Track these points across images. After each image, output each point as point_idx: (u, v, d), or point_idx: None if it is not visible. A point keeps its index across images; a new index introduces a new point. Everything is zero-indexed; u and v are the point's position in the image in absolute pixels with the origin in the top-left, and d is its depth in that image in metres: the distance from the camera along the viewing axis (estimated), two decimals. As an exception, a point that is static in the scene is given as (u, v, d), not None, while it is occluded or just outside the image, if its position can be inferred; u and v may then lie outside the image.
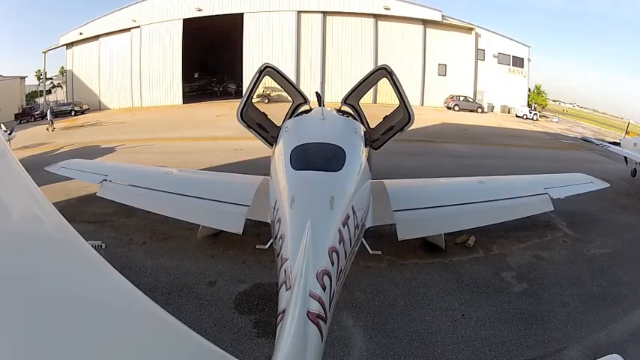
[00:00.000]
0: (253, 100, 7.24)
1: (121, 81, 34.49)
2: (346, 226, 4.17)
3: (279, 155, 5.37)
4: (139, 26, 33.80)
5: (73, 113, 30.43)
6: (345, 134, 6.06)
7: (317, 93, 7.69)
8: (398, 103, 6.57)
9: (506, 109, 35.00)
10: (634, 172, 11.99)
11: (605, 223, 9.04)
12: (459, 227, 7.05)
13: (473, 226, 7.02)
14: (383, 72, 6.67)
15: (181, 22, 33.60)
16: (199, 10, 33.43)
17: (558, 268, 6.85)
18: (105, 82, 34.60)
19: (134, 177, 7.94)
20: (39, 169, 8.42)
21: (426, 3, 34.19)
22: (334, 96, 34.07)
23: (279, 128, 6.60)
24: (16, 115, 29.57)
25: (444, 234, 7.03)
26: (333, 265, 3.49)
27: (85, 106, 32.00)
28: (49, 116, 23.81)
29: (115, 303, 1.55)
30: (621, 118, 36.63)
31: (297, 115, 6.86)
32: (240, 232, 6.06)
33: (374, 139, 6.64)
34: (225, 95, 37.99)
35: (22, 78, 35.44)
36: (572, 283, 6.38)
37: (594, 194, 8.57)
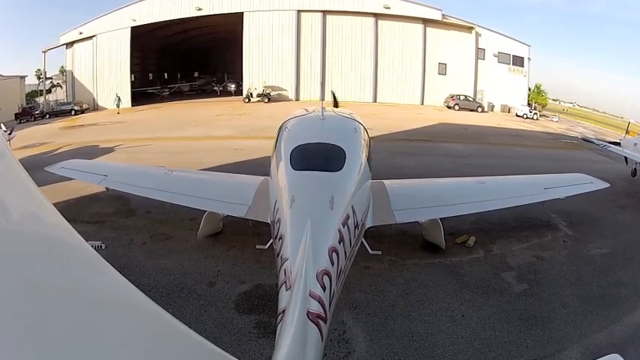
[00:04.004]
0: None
1: (117, 81, 34.36)
2: (346, 226, 4.17)
3: (279, 155, 5.38)
4: (136, 26, 33.77)
5: (73, 113, 30.44)
6: (344, 134, 6.06)
7: (332, 92, 7.69)
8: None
9: (506, 109, 34.99)
10: (634, 172, 11.98)
11: (605, 223, 9.03)
12: (458, 226, 7.05)
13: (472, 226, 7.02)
14: None
15: (129, 30, 33.59)
16: (199, 9, 33.42)
17: (558, 269, 6.85)
18: (101, 82, 34.46)
19: (134, 177, 7.94)
20: (39, 169, 8.42)
21: (426, 2, 34.20)
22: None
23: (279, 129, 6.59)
24: (16, 114, 29.54)
25: (444, 234, 7.03)
26: (333, 265, 3.49)
27: (85, 106, 32.01)
28: None
29: (114, 303, 1.55)
30: (621, 118, 36.66)
31: (296, 116, 6.85)
32: (244, 214, 6.11)
33: None
34: (224, 94, 38.00)
35: (22, 77, 35.43)
36: (572, 284, 6.38)
37: (594, 194, 8.56)
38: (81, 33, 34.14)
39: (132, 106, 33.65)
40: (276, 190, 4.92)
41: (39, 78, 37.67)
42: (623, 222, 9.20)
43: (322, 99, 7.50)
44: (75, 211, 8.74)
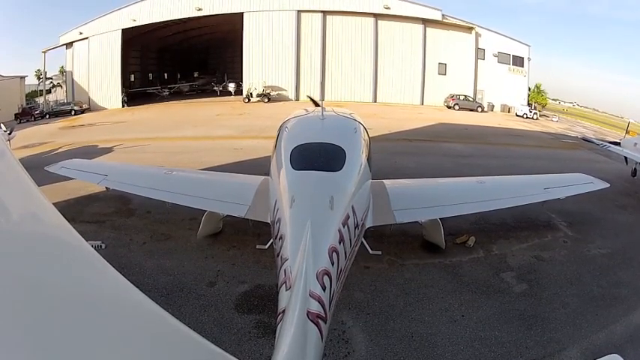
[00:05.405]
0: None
1: (109, 82, 34.18)
2: (346, 226, 4.17)
3: (279, 155, 5.38)
4: (136, 26, 33.74)
5: (72, 113, 30.40)
6: (345, 134, 6.07)
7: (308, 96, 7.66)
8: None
9: (506, 109, 34.97)
10: (634, 172, 11.99)
11: (605, 223, 9.04)
12: (458, 226, 7.05)
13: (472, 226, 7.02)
14: None
15: (120, 32, 33.36)
16: (199, 9, 33.41)
17: (558, 269, 6.85)
18: (97, 83, 34.37)
19: (134, 177, 7.93)
20: (39, 168, 8.41)
21: (426, 2, 34.20)
22: (334, 95, 34.06)
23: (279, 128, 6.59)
24: (16, 114, 29.51)
25: (444, 234, 7.03)
26: (333, 265, 3.49)
27: (84, 106, 31.97)
28: None
29: (114, 303, 1.55)
30: (621, 118, 36.63)
31: (296, 116, 6.85)
32: (244, 214, 6.13)
33: None
34: (224, 94, 37.98)
35: (22, 77, 35.36)
36: (572, 284, 6.38)
37: (594, 194, 8.56)
38: (81, 33, 34.08)
39: (127, 106, 33.20)
40: (276, 190, 4.92)
41: (39, 78, 37.62)
42: (623, 222, 9.20)
43: (322, 99, 7.50)
44: (75, 210, 8.74)
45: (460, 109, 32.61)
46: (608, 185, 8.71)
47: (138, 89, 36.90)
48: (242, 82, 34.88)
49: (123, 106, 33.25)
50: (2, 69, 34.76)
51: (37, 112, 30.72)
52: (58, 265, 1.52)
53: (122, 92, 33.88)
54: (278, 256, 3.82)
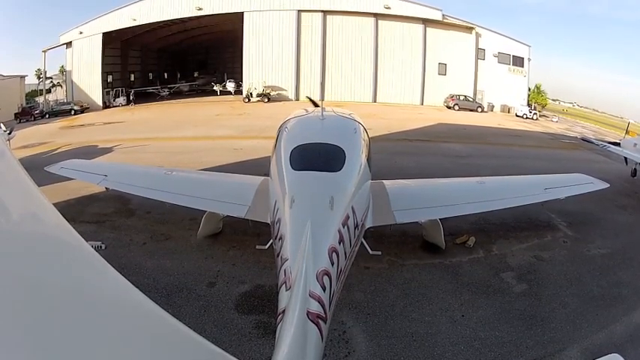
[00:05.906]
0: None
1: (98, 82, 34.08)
2: (346, 227, 4.18)
3: (279, 155, 5.38)
4: (136, 26, 33.75)
5: (72, 112, 30.36)
6: (344, 134, 6.07)
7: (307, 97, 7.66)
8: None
9: (506, 109, 34.96)
10: (634, 172, 12.00)
11: (605, 223, 9.04)
12: (458, 227, 7.05)
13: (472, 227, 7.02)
14: None
15: (101, 36, 33.43)
16: (200, 9, 33.41)
17: (558, 269, 6.85)
18: (97, 82, 34.23)
19: (133, 177, 7.93)
20: (39, 169, 8.41)
21: (426, 2, 34.20)
22: (334, 95, 33.97)
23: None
24: (15, 114, 29.49)
25: (444, 234, 7.03)
26: (332, 265, 3.49)
27: (85, 105, 31.93)
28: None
29: (114, 304, 1.55)
30: (621, 118, 36.61)
31: (296, 116, 6.85)
32: (243, 215, 6.13)
33: None
34: (224, 94, 37.97)
35: (22, 77, 35.32)
36: (572, 284, 6.38)
37: (594, 194, 8.56)
38: (81, 32, 34.04)
39: (102, 109, 32.93)
40: (276, 190, 4.92)
41: (39, 78, 37.57)
42: (623, 222, 9.20)
43: (322, 99, 7.51)
44: (75, 211, 8.74)
45: (460, 109, 32.59)
46: (608, 185, 8.71)
47: (138, 89, 36.88)
48: (242, 81, 34.90)
49: (103, 108, 32.88)
50: (2, 69, 34.74)
51: (37, 111, 30.65)
52: (58, 265, 1.52)
53: (106, 92, 33.71)
54: (278, 256, 3.83)
